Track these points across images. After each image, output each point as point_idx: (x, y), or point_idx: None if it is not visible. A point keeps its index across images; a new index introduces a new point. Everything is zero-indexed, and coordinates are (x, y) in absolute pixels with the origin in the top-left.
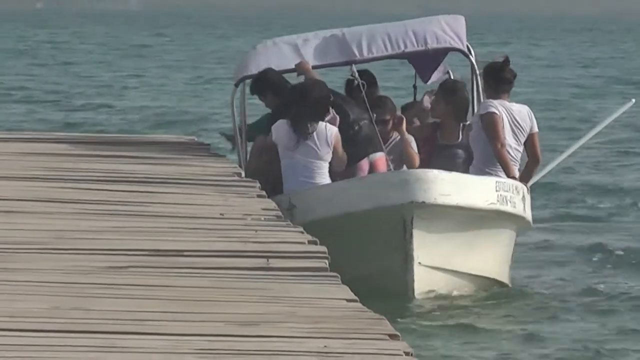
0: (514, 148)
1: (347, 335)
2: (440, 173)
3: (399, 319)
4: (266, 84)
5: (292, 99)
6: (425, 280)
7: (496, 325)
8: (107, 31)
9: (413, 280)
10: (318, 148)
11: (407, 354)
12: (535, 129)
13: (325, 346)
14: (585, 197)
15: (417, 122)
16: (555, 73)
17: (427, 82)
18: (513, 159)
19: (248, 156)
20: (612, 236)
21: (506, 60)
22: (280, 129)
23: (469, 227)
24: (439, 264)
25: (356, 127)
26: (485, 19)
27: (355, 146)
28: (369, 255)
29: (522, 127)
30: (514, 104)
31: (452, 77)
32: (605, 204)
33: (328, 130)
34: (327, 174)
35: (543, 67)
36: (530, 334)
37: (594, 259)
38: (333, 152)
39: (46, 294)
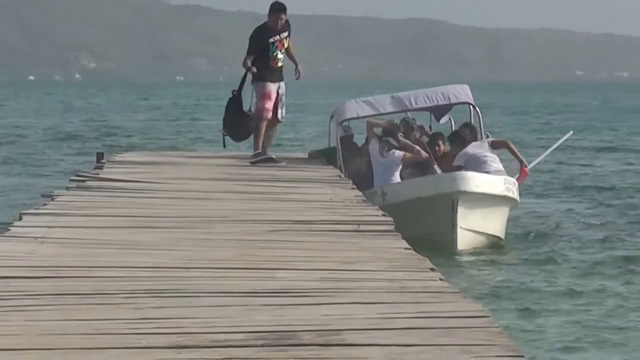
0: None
1: (405, 269)
2: (475, 174)
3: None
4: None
5: None
6: (464, 238)
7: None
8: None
9: (456, 238)
10: (391, 164)
11: (440, 279)
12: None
13: (393, 276)
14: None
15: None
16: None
17: (439, 121)
18: (493, 167)
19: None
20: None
21: (463, 126)
22: (373, 145)
23: (488, 205)
24: (472, 227)
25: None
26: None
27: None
28: (430, 222)
29: (485, 155)
30: (472, 143)
31: (452, 122)
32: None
33: (397, 155)
34: (398, 177)
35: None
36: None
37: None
38: (404, 159)
39: (230, 246)
